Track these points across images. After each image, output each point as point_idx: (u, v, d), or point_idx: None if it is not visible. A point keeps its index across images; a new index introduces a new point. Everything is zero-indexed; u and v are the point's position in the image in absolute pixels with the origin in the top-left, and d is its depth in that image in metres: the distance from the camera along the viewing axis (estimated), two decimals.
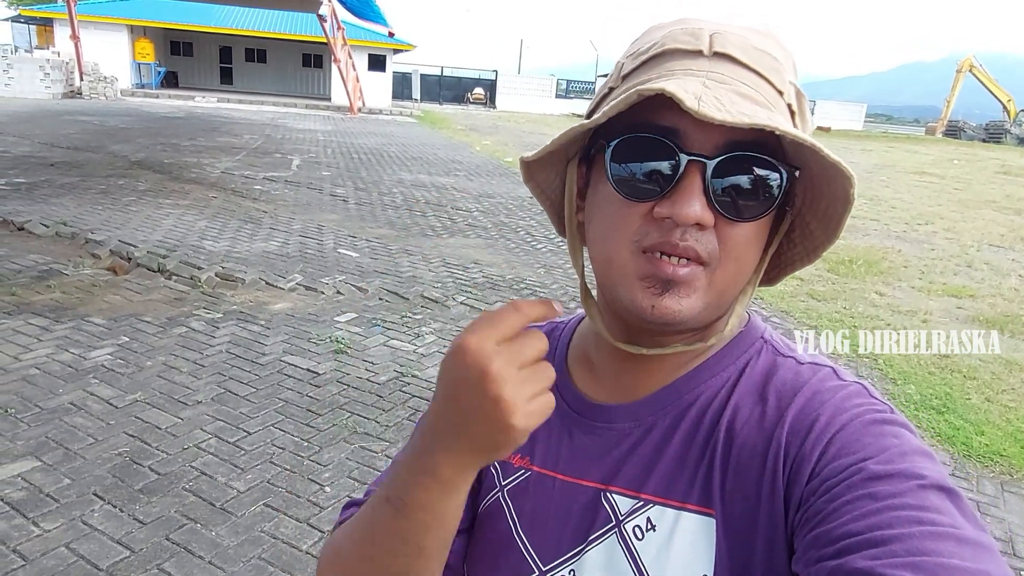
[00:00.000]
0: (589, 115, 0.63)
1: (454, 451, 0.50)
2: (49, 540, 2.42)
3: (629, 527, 0.61)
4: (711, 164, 0.54)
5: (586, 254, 0.65)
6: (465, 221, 8.43)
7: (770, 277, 0.67)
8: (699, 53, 0.56)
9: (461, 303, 5.29)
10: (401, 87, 37.54)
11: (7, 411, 3.23)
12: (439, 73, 42.03)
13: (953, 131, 44.14)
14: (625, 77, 0.60)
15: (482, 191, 10.72)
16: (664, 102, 0.52)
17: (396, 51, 32.02)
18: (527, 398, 0.48)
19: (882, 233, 9.47)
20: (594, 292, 0.67)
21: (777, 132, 0.50)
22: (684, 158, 0.54)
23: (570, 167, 0.65)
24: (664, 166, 0.55)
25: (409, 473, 0.53)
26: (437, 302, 5.27)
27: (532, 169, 0.65)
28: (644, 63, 0.59)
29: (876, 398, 0.57)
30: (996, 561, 0.43)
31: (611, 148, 0.57)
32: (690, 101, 0.49)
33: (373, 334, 4.54)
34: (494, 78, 41.48)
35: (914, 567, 0.42)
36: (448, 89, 41.55)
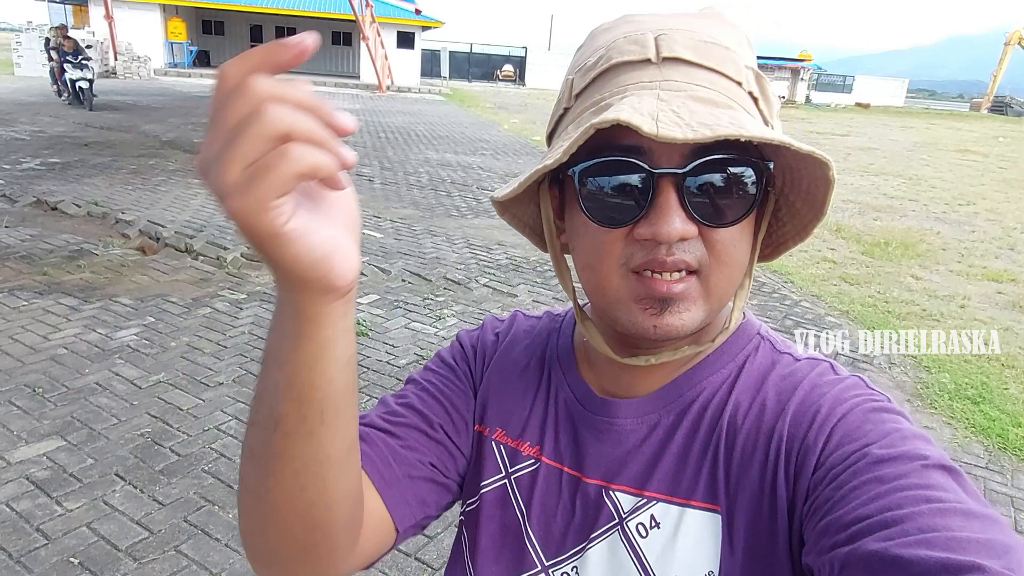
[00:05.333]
0: (549, 136, 0.63)
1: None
2: (71, 519, 2.47)
3: (632, 525, 0.60)
4: (682, 176, 0.52)
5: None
6: (490, 201, 8.37)
7: (765, 255, 0.66)
8: (648, 62, 0.54)
9: (484, 285, 5.25)
10: (430, 64, 37.40)
11: (35, 390, 3.30)
12: (468, 50, 41.76)
13: (999, 107, 42.51)
14: (577, 96, 0.58)
15: (508, 170, 10.63)
16: None
17: (425, 28, 31.83)
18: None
19: (920, 214, 9.16)
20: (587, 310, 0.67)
21: (742, 139, 0.48)
22: (654, 175, 0.52)
23: (542, 191, 0.64)
24: (635, 187, 0.53)
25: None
26: (460, 284, 5.24)
27: (504, 204, 0.65)
28: (594, 80, 0.57)
29: (873, 389, 0.58)
30: (1004, 531, 0.44)
31: (577, 176, 0.55)
32: (648, 125, 0.47)
33: (395, 316, 4.54)
34: (523, 55, 41.07)
35: (927, 543, 0.43)
36: (477, 66, 41.28)
